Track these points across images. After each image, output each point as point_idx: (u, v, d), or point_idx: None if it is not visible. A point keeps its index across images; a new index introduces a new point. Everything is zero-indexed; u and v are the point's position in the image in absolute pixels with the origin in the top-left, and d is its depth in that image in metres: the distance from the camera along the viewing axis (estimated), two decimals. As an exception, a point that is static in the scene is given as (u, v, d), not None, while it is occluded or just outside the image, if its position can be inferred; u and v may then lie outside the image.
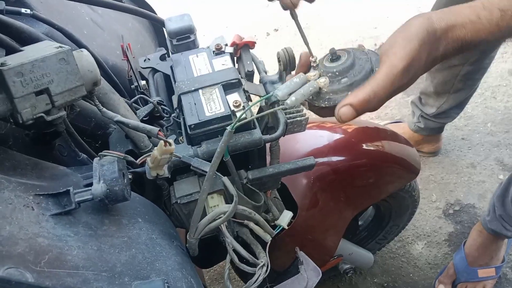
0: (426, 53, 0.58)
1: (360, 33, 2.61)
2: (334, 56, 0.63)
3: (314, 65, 0.65)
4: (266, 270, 0.68)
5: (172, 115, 0.75)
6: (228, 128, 0.63)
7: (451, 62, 1.59)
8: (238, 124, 0.60)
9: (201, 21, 2.77)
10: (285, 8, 0.74)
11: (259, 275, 0.67)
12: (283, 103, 0.82)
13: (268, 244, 0.72)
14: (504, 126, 2.04)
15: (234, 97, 0.71)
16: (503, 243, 1.54)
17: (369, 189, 1.10)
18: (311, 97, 0.63)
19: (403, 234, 1.74)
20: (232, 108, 0.68)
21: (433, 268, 1.68)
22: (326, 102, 0.62)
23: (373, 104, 0.59)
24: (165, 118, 0.74)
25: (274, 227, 0.80)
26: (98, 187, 0.53)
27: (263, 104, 0.86)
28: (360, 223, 1.48)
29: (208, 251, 0.88)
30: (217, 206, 0.68)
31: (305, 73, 0.65)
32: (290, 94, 0.62)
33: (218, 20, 2.93)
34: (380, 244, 1.53)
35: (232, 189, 0.65)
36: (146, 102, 0.75)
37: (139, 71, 0.81)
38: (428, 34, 0.57)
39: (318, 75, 0.63)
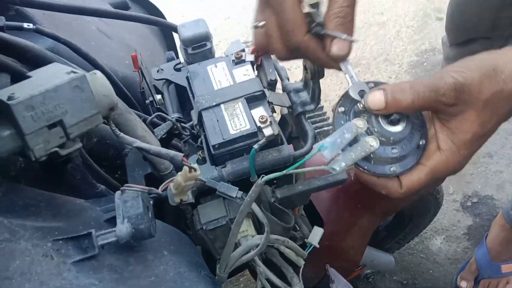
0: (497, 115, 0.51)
1: (366, 20, 2.53)
2: (395, 119, 0.53)
3: (361, 108, 0.54)
4: (302, 297, 0.64)
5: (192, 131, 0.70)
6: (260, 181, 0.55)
7: (471, 49, 1.52)
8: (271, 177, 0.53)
9: (200, 13, 2.69)
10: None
11: (295, 304, 0.62)
12: (309, 112, 0.77)
13: (302, 268, 0.67)
14: (520, 113, 1.98)
15: (260, 111, 0.65)
16: (526, 237, 1.50)
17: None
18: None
19: (421, 229, 1.69)
20: (258, 124, 0.63)
21: (453, 264, 1.64)
22: (365, 167, 0.54)
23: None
24: (183, 137, 0.69)
25: (302, 244, 0.75)
26: (123, 228, 0.47)
27: (286, 112, 0.80)
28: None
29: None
30: (246, 232, 0.63)
31: None
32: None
33: (218, 12, 2.84)
34: (399, 244, 1.48)
35: (262, 216, 0.60)
36: (163, 119, 0.70)
37: (153, 84, 0.75)
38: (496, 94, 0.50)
39: (366, 126, 0.53)
